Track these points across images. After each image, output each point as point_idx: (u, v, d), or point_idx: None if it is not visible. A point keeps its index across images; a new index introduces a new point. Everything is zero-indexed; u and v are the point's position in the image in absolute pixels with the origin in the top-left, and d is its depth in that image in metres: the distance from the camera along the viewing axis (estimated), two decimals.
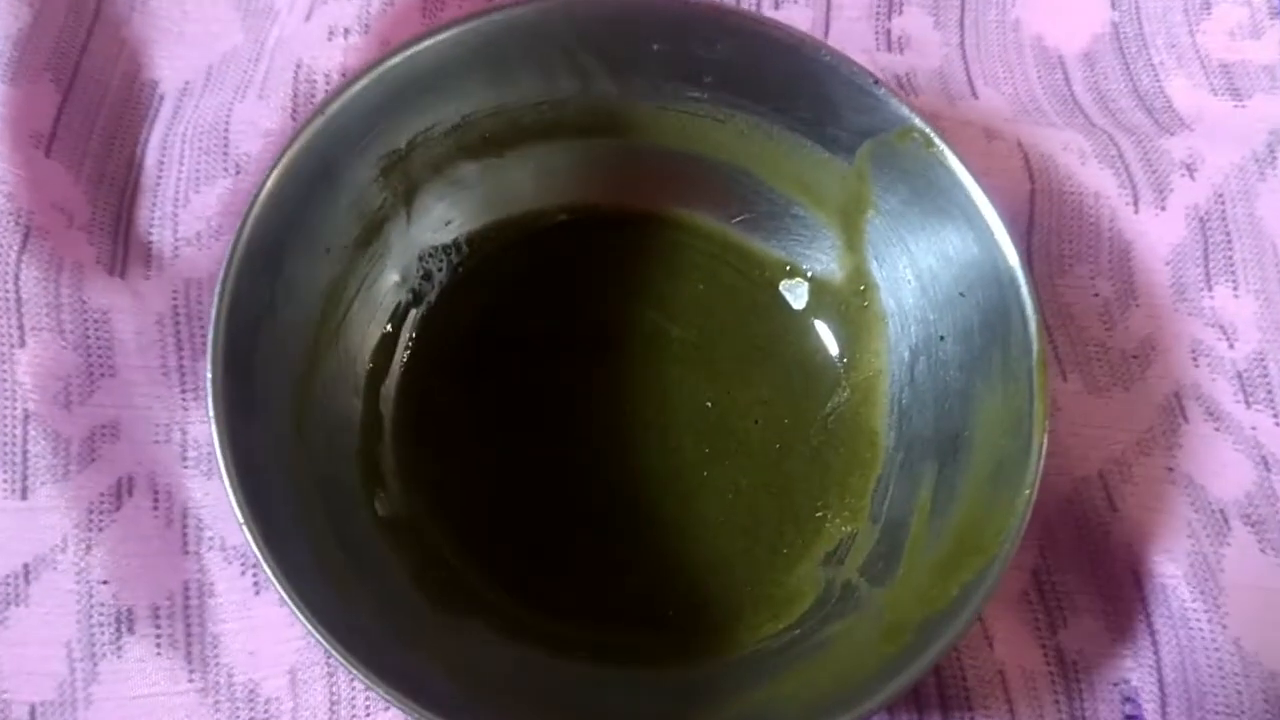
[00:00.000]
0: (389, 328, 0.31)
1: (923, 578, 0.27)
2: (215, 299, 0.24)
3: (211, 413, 0.23)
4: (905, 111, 0.28)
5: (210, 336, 0.23)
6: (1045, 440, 0.25)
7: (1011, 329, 0.27)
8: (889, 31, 0.39)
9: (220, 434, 0.23)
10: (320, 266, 0.27)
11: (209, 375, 0.23)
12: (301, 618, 0.22)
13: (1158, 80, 0.39)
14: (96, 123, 0.33)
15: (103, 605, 0.28)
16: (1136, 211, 0.35)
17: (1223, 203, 0.35)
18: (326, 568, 0.25)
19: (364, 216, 0.29)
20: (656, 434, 0.32)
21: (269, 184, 0.25)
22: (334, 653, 0.22)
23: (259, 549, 0.22)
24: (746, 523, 0.31)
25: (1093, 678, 0.30)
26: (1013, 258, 0.27)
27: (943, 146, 0.28)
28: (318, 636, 0.22)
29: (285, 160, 0.25)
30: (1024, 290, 0.27)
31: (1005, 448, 0.26)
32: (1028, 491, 0.25)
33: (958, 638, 0.23)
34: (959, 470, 0.28)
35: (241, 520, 0.22)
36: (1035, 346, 0.26)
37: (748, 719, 0.25)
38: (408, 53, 0.26)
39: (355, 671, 0.22)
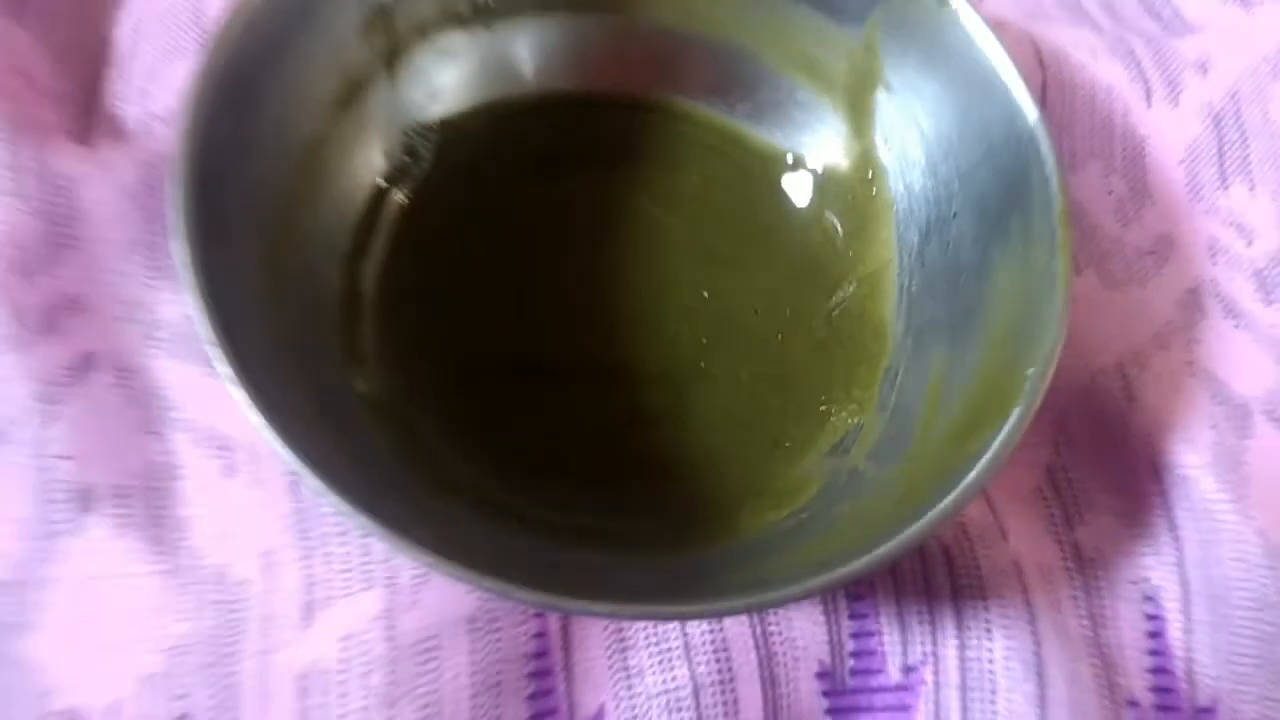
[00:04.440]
0: (371, 203, 0.29)
1: (933, 450, 0.25)
2: (183, 127, 0.22)
3: (181, 233, 0.21)
4: None
5: (180, 156, 0.21)
6: (1070, 294, 0.24)
7: (1032, 188, 0.25)
8: None
9: (190, 257, 0.21)
10: (298, 118, 0.26)
11: (178, 194, 0.21)
12: (285, 452, 0.21)
13: None
14: None
15: (61, 482, 0.26)
16: (1149, 107, 0.34)
17: (1237, 103, 0.34)
18: (310, 427, 0.23)
19: (345, 73, 0.27)
20: (651, 323, 0.30)
21: (246, 9, 0.23)
22: (325, 489, 0.20)
23: (229, 364, 0.20)
24: (746, 416, 0.29)
25: (1112, 575, 0.28)
26: (1031, 114, 0.26)
27: (956, 3, 0.27)
28: (306, 471, 0.20)
29: None
30: (1044, 146, 0.25)
31: (1023, 311, 0.25)
32: (1049, 348, 0.23)
33: (974, 490, 0.22)
34: (971, 345, 0.26)
35: (214, 339, 0.21)
36: (1058, 201, 0.25)
37: (740, 588, 0.23)
38: None
39: (354, 513, 0.20)
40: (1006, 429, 0.23)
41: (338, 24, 0.26)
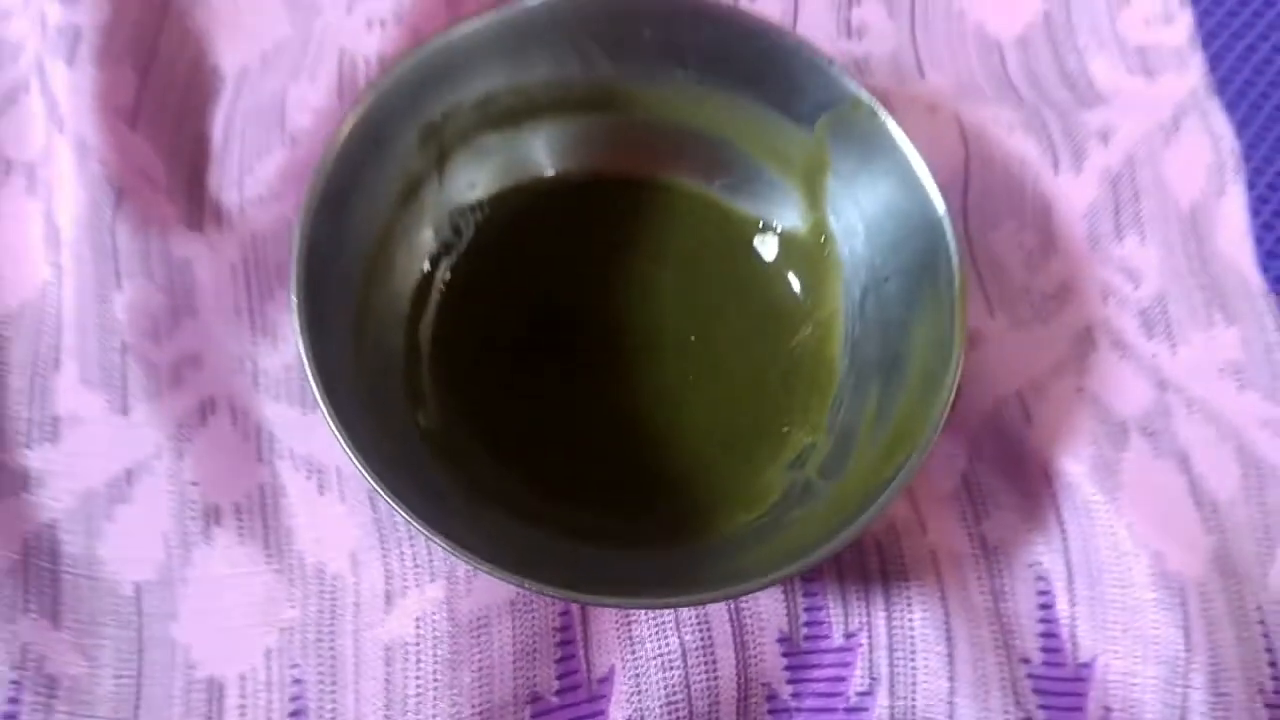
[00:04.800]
0: (425, 272, 0.37)
1: (867, 468, 0.33)
2: (297, 234, 0.30)
3: (297, 327, 0.29)
4: (855, 87, 0.34)
5: (294, 256, 0.29)
6: (963, 353, 0.31)
7: (940, 267, 0.33)
8: (849, 21, 0.44)
9: (304, 341, 0.29)
10: (373, 215, 0.33)
11: (293, 299, 0.29)
12: (376, 486, 0.28)
13: (1082, 62, 0.44)
14: (170, 101, 0.39)
15: (193, 503, 0.34)
16: (1057, 174, 0.41)
17: (1132, 166, 0.41)
18: (385, 455, 0.31)
19: (407, 176, 0.34)
20: (648, 362, 0.38)
21: (338, 144, 0.31)
22: (408, 517, 0.28)
23: (328, 410, 0.28)
24: (723, 436, 0.37)
25: (1011, 560, 0.36)
26: (940, 208, 0.33)
27: (886, 117, 0.34)
28: (394, 504, 0.28)
29: (349, 125, 0.31)
30: (948, 234, 0.33)
31: (933, 361, 0.32)
32: (946, 394, 0.31)
33: (891, 500, 0.29)
34: (897, 384, 0.34)
35: (320, 393, 0.28)
36: (957, 279, 0.32)
37: (719, 579, 0.30)
38: (444, 39, 0.33)
39: (427, 532, 0.28)
40: (914, 455, 0.30)
41: (402, 142, 0.34)
